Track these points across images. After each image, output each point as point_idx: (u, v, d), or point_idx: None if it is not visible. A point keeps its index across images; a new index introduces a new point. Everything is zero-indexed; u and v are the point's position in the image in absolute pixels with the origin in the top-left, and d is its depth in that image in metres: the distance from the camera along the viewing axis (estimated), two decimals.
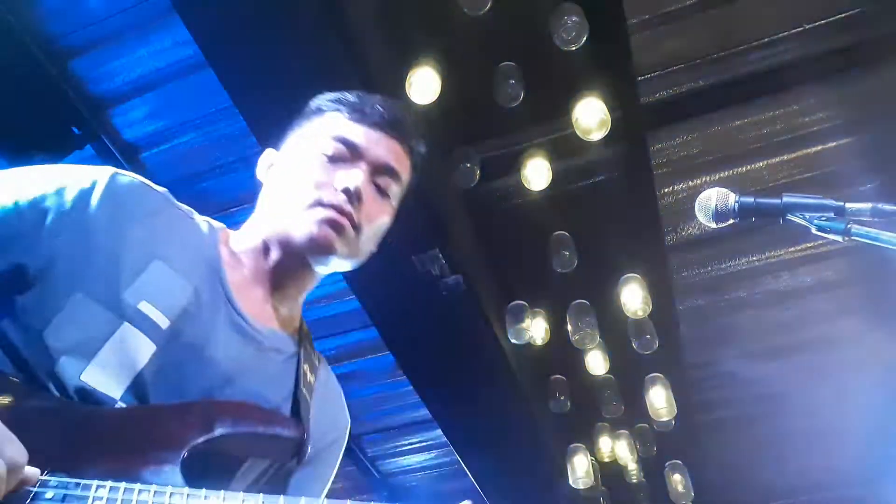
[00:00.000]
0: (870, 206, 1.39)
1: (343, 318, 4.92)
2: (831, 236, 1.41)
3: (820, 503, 6.36)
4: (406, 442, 6.30)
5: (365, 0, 3.34)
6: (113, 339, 1.23)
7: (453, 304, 4.13)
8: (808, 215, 1.44)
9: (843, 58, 3.81)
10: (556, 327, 4.63)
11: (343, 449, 1.58)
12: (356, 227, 1.43)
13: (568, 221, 4.23)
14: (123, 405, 1.23)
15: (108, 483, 1.11)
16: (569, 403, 5.07)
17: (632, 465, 5.63)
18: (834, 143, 4.23)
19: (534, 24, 3.38)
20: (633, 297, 4.44)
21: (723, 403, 5.86)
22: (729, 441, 5.93)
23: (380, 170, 1.49)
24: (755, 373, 5.51)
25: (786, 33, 3.78)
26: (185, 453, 1.19)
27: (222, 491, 1.15)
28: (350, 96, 1.54)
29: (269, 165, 1.56)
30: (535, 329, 4.57)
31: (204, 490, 1.14)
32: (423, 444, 6.30)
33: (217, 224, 1.51)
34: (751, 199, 1.51)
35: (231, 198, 4.21)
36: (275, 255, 1.45)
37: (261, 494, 1.16)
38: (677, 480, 5.76)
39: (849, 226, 1.38)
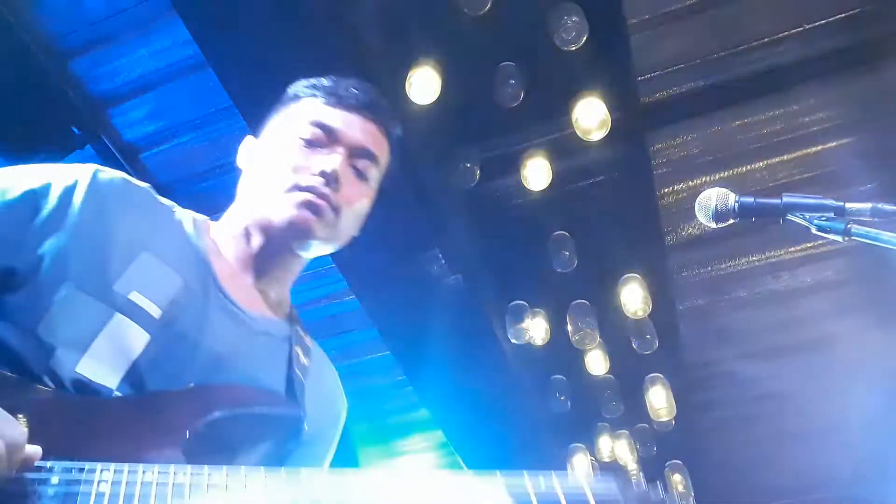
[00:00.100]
0: (870, 206, 1.39)
1: (343, 318, 4.93)
2: (831, 236, 1.41)
3: (820, 503, 6.36)
4: (406, 442, 6.31)
5: (365, 0, 3.34)
6: (106, 331, 1.25)
7: (453, 303, 4.13)
8: (808, 215, 1.44)
9: (843, 58, 3.81)
10: (556, 327, 4.63)
11: (341, 429, 1.59)
12: (335, 210, 1.44)
13: (568, 221, 4.23)
14: (120, 395, 1.24)
15: (112, 465, 1.12)
16: (569, 403, 5.07)
17: (632, 465, 5.63)
18: (834, 143, 4.23)
19: (534, 24, 3.38)
20: (633, 297, 4.44)
21: (723, 403, 5.86)
22: (729, 441, 5.93)
23: (357, 153, 1.50)
24: (755, 373, 5.50)
25: (786, 33, 3.78)
26: (185, 438, 1.21)
27: (224, 467, 1.16)
28: (326, 81, 1.56)
29: (249, 152, 1.57)
30: (535, 329, 4.58)
31: (206, 467, 1.15)
32: (424, 444, 6.30)
33: (200, 217, 1.53)
34: (751, 199, 1.52)
35: (231, 198, 4.20)
36: (257, 240, 1.47)
37: (262, 468, 1.18)
38: (677, 480, 5.76)
39: (849, 226, 1.39)
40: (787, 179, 4.36)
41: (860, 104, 4.04)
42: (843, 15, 3.71)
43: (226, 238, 1.49)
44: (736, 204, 1.52)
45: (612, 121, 3.56)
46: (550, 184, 3.88)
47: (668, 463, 5.83)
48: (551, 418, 5.20)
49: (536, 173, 3.87)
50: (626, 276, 4.48)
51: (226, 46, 3.17)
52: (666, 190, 4.44)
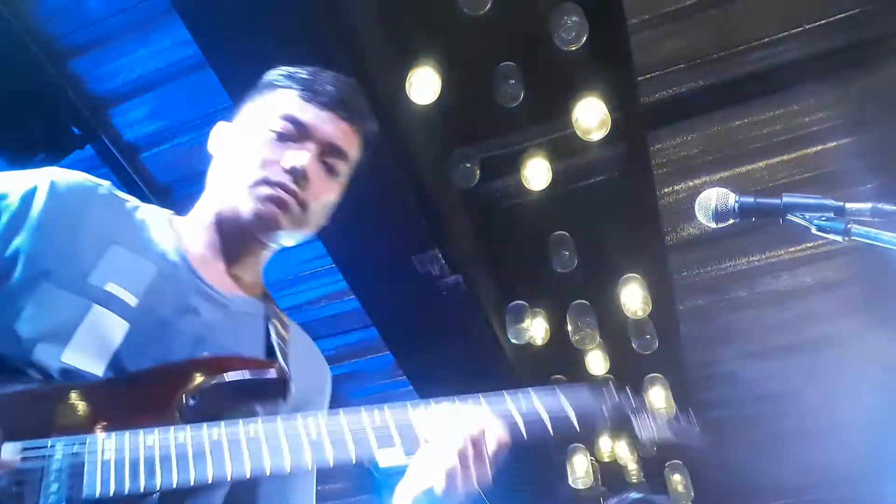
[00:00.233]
0: (870, 206, 1.39)
1: (343, 318, 4.92)
2: (831, 236, 1.41)
3: (820, 503, 6.36)
4: None
5: (365, 0, 3.34)
6: (85, 322, 1.27)
7: (453, 304, 4.13)
8: (808, 215, 1.44)
9: (843, 58, 3.81)
10: (556, 327, 4.63)
11: (329, 397, 1.63)
12: (302, 205, 1.46)
13: (568, 221, 4.23)
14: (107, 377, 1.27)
15: (113, 434, 1.16)
16: None
17: (632, 465, 5.63)
18: (834, 143, 4.23)
19: (534, 24, 3.38)
20: (633, 297, 4.44)
21: (723, 403, 5.85)
22: (729, 441, 5.92)
23: (328, 149, 1.51)
24: (755, 373, 5.50)
25: (786, 33, 3.78)
26: (176, 408, 1.24)
27: (221, 423, 1.21)
28: (303, 73, 1.57)
29: (220, 138, 1.59)
30: (535, 329, 4.57)
31: (205, 425, 1.20)
32: None
33: (165, 210, 1.55)
34: (751, 199, 1.52)
35: None
36: (226, 230, 1.49)
37: (258, 418, 1.24)
38: (677, 480, 5.76)
39: (849, 226, 1.39)
40: (787, 179, 4.36)
41: (860, 104, 4.04)
42: (842, 15, 3.71)
43: (195, 227, 1.51)
44: (736, 204, 1.52)
45: (612, 121, 3.56)
46: (550, 184, 3.88)
47: (668, 463, 5.82)
48: None
49: (536, 173, 3.87)
50: (626, 276, 4.48)
51: (226, 46, 3.16)
52: (666, 190, 4.44)
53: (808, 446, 5.86)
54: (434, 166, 3.93)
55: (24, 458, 1.10)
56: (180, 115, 3.86)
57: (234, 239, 1.49)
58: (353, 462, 1.27)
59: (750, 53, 3.85)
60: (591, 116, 3.57)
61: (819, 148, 4.25)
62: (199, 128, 3.84)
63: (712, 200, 1.53)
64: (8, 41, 3.39)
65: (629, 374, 5.05)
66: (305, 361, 1.54)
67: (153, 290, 1.35)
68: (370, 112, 1.60)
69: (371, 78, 3.39)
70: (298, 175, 1.44)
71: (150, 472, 1.14)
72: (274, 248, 1.55)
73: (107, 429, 1.18)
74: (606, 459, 5.49)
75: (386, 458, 1.29)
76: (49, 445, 1.12)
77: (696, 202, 1.56)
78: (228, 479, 1.19)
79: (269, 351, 1.46)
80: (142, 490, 1.14)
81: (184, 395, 1.26)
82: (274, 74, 1.60)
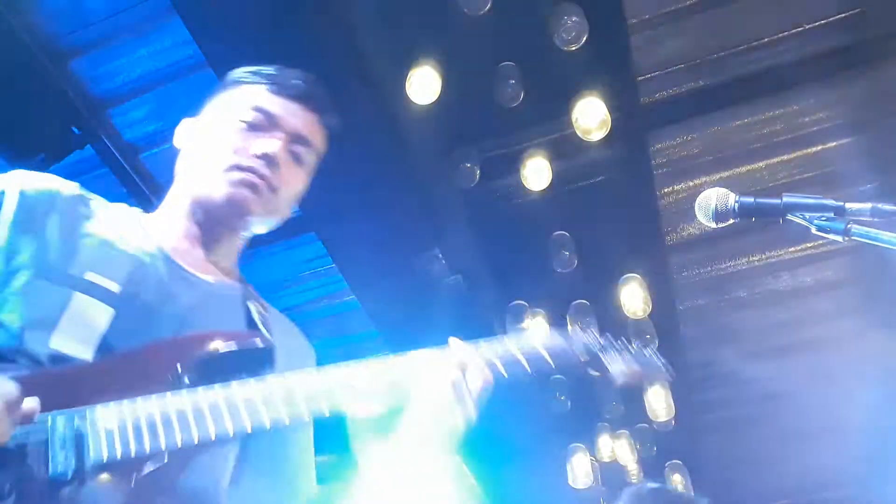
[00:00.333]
0: (870, 206, 1.40)
1: (343, 318, 4.92)
2: (831, 236, 1.41)
3: (820, 503, 6.36)
4: None
5: (365, 0, 3.34)
6: (69, 309, 1.31)
7: (453, 303, 4.13)
8: (808, 215, 1.44)
9: (843, 58, 3.81)
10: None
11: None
12: (273, 190, 1.52)
13: (568, 221, 4.23)
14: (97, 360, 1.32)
15: (111, 404, 1.20)
16: (569, 403, 5.07)
17: (632, 465, 5.63)
18: (834, 143, 4.23)
19: (534, 24, 3.38)
20: (633, 297, 4.44)
21: (723, 403, 5.85)
22: (729, 441, 5.93)
23: (296, 139, 1.57)
24: (755, 373, 5.50)
25: (786, 33, 3.78)
26: (167, 383, 1.28)
27: (215, 385, 1.27)
28: (270, 69, 1.64)
29: (186, 133, 1.64)
30: (535, 329, 4.57)
31: (200, 388, 1.26)
32: None
33: (133, 208, 1.60)
34: (751, 199, 1.52)
35: None
36: (201, 218, 1.54)
37: (251, 379, 1.30)
38: (677, 480, 5.75)
39: (849, 226, 1.39)
40: (787, 179, 4.36)
41: (860, 104, 4.04)
42: (843, 15, 3.71)
43: (169, 220, 1.55)
44: (736, 204, 1.52)
45: (612, 121, 3.56)
46: (550, 184, 3.88)
47: (667, 463, 5.82)
48: (551, 418, 5.20)
49: (536, 173, 3.87)
50: (626, 276, 4.48)
51: (226, 46, 3.16)
52: (666, 190, 4.44)
53: (808, 446, 5.86)
54: (434, 166, 3.93)
55: (25, 433, 1.13)
56: (180, 115, 3.83)
57: (210, 226, 1.54)
58: (328, 414, 1.34)
59: (750, 53, 3.85)
60: (591, 116, 3.57)
61: (819, 148, 4.25)
62: None
63: (712, 200, 1.54)
64: (8, 41, 3.39)
65: None
66: (289, 339, 1.59)
67: (134, 279, 1.39)
68: (332, 106, 1.65)
69: (371, 78, 3.39)
70: (269, 160, 1.50)
71: (154, 434, 1.19)
72: (245, 235, 1.60)
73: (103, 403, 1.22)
74: (606, 459, 5.49)
75: (361, 410, 1.38)
76: (49, 420, 1.16)
77: (696, 202, 1.56)
78: (231, 434, 1.24)
79: (252, 327, 1.51)
80: (147, 451, 1.18)
81: (175, 370, 1.30)
82: (240, 72, 1.66)
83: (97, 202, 1.51)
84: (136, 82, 3.74)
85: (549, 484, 5.49)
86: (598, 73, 3.52)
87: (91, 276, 1.35)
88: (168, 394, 1.24)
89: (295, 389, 1.31)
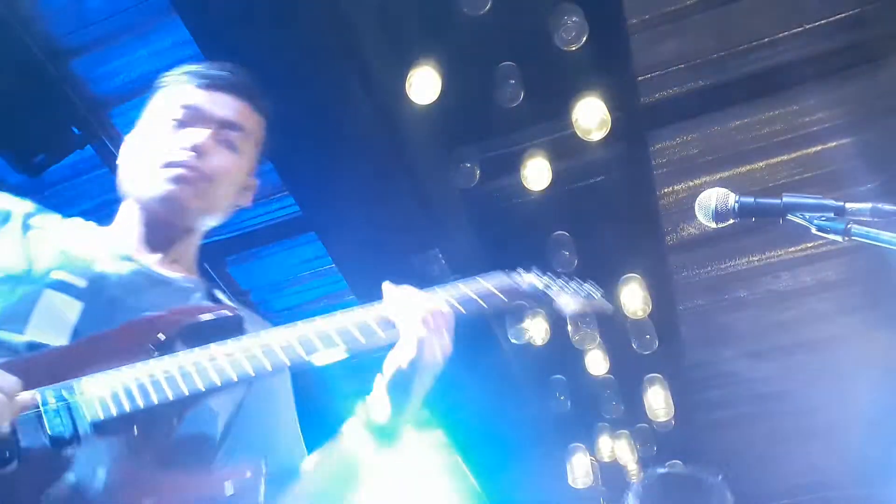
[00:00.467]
0: (870, 206, 1.40)
1: None
2: (831, 236, 1.41)
3: (820, 503, 6.36)
4: (406, 441, 6.29)
5: (365, 0, 3.34)
6: (40, 304, 1.37)
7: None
8: (808, 215, 1.45)
9: (843, 58, 3.81)
10: (556, 327, 4.63)
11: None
12: (207, 179, 1.54)
13: (568, 221, 4.23)
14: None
15: (96, 374, 1.25)
16: (569, 403, 5.07)
17: (632, 465, 5.63)
18: (834, 143, 4.23)
19: (534, 24, 3.38)
20: (633, 297, 4.44)
21: (723, 403, 5.85)
22: (729, 441, 5.92)
23: (226, 125, 1.60)
24: (755, 372, 5.50)
25: (786, 33, 3.78)
26: (150, 352, 1.32)
27: (195, 349, 1.31)
28: (196, 67, 1.68)
29: (126, 147, 1.66)
30: (535, 329, 4.57)
31: (180, 352, 1.32)
32: (424, 443, 6.29)
33: (89, 222, 1.64)
34: (751, 199, 1.52)
35: None
36: (149, 222, 1.58)
37: (228, 340, 1.35)
38: None
39: (849, 226, 1.39)
40: (787, 179, 4.35)
41: (860, 104, 4.04)
42: (842, 15, 3.70)
43: (123, 228, 1.60)
44: (736, 204, 1.52)
45: (612, 121, 3.55)
46: (550, 184, 3.87)
47: (667, 463, 5.82)
48: (551, 418, 5.20)
49: (536, 173, 3.86)
50: (626, 276, 4.48)
51: (226, 46, 3.16)
52: (666, 190, 4.44)
53: (808, 446, 5.86)
54: (434, 166, 3.93)
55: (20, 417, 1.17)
56: None
57: (160, 228, 1.57)
58: (305, 359, 1.40)
59: (750, 53, 3.85)
60: (591, 116, 3.56)
61: (819, 148, 4.25)
62: None
63: (712, 200, 1.54)
64: (8, 41, 3.39)
65: (629, 374, 5.05)
66: (258, 327, 1.61)
67: (98, 277, 1.44)
68: (262, 91, 1.70)
69: (371, 78, 3.39)
70: (198, 150, 1.53)
71: (144, 393, 1.24)
72: (198, 231, 1.63)
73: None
74: (606, 459, 5.49)
75: (323, 358, 1.42)
76: (38, 395, 1.20)
77: (696, 202, 1.56)
78: (219, 384, 1.29)
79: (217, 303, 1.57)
80: (142, 406, 1.23)
81: (153, 342, 1.34)
82: (167, 76, 1.69)
83: (53, 217, 1.57)
84: (136, 82, 3.73)
85: (549, 484, 5.49)
86: (598, 73, 3.52)
87: (57, 274, 1.40)
88: (150, 360, 1.29)
89: (271, 341, 1.36)
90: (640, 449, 5.58)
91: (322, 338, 1.40)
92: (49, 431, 1.17)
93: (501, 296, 1.61)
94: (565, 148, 3.89)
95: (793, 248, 4.83)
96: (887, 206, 1.38)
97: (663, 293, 4.60)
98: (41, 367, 1.27)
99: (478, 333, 4.48)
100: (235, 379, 1.30)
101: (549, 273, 1.72)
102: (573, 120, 3.58)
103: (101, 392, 1.23)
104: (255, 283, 4.82)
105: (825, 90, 3.99)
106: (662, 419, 5.09)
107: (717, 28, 3.76)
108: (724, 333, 5.30)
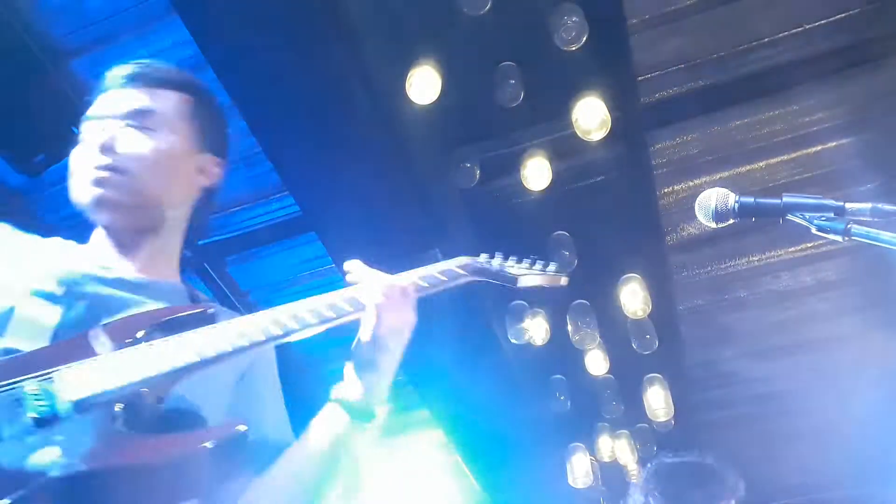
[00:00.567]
0: (870, 206, 1.40)
1: None
2: (831, 236, 1.41)
3: (820, 503, 6.36)
4: (406, 441, 6.30)
5: (365, 0, 3.34)
6: (16, 314, 1.40)
7: (453, 304, 4.13)
8: (808, 215, 1.44)
9: (843, 58, 3.81)
10: (556, 327, 4.63)
11: (274, 363, 1.73)
12: (120, 171, 1.55)
13: (568, 221, 4.23)
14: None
15: (75, 363, 1.29)
16: (569, 403, 5.07)
17: (632, 465, 5.63)
18: (834, 143, 4.23)
19: (534, 24, 3.38)
20: (633, 297, 4.44)
21: (723, 403, 5.86)
22: (729, 441, 5.92)
23: (129, 116, 1.60)
24: (755, 372, 5.51)
25: (786, 33, 3.78)
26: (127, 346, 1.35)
27: (169, 337, 1.36)
28: (103, 80, 1.72)
29: None
30: (535, 329, 4.57)
31: (160, 340, 1.36)
32: (424, 443, 6.29)
33: (68, 241, 1.66)
34: (751, 199, 1.52)
35: (231, 198, 4.21)
36: (109, 232, 1.61)
37: (216, 325, 1.41)
38: None
39: (849, 226, 1.39)
40: (787, 179, 4.36)
41: (860, 104, 4.04)
42: (842, 15, 3.70)
43: (95, 244, 1.63)
44: (736, 204, 1.52)
45: (612, 121, 3.55)
46: (550, 184, 3.87)
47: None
48: (551, 418, 5.20)
49: (536, 173, 3.86)
50: (626, 276, 4.48)
51: (226, 46, 3.16)
52: (666, 190, 4.44)
53: (807, 446, 5.86)
54: (434, 166, 3.93)
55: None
56: None
57: (122, 236, 1.60)
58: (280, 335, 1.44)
59: (750, 53, 3.85)
60: (591, 116, 3.56)
61: (819, 148, 4.25)
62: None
63: (712, 200, 1.54)
64: (8, 41, 3.39)
65: (629, 374, 5.05)
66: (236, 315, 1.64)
67: (77, 286, 1.46)
68: (173, 74, 1.71)
69: (371, 78, 3.39)
70: (104, 148, 1.55)
71: (121, 374, 1.29)
72: (156, 228, 1.62)
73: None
74: (606, 459, 5.49)
75: (309, 333, 1.46)
76: (17, 385, 1.26)
77: (696, 202, 1.56)
78: (197, 359, 1.33)
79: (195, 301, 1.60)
80: (120, 386, 1.28)
81: (127, 343, 1.35)
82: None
83: (28, 236, 1.59)
84: None
85: (549, 484, 5.49)
86: (598, 73, 3.52)
87: (35, 286, 1.43)
88: (127, 349, 1.33)
89: (244, 326, 1.40)
90: (640, 449, 5.58)
91: (295, 318, 1.44)
92: (30, 413, 1.22)
93: (460, 270, 1.67)
94: (565, 148, 3.89)
95: (793, 248, 4.83)
96: (887, 206, 1.38)
97: (663, 293, 4.60)
98: (19, 366, 1.30)
99: (478, 333, 4.49)
100: (212, 355, 1.35)
101: (513, 256, 1.76)
102: (573, 120, 3.58)
103: (79, 374, 1.27)
104: (255, 283, 4.82)
105: (825, 90, 3.99)
106: (662, 419, 5.09)
107: (717, 28, 3.76)
108: (724, 333, 5.30)
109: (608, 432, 5.47)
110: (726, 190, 1.54)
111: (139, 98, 1.62)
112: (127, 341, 1.35)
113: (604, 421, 5.41)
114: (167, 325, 1.40)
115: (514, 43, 3.52)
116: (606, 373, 4.96)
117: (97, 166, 1.55)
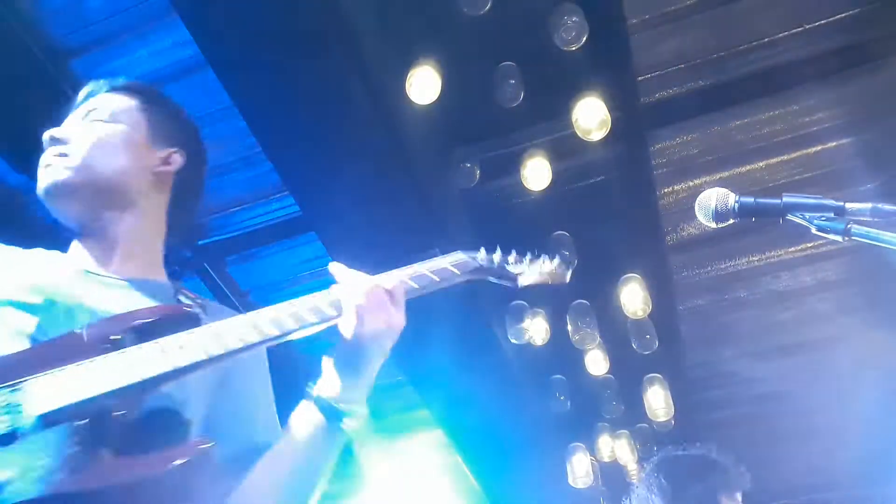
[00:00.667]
0: (870, 206, 1.39)
1: None
2: (831, 236, 1.41)
3: (820, 503, 6.36)
4: (406, 441, 6.30)
5: (365, 0, 3.34)
6: None
7: (453, 303, 4.13)
8: (808, 215, 1.44)
9: (843, 58, 3.81)
10: (556, 327, 4.63)
11: (265, 362, 1.72)
12: (64, 154, 1.59)
13: (568, 221, 4.23)
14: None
15: (51, 370, 1.26)
16: (569, 403, 5.07)
17: (632, 465, 5.63)
18: (834, 143, 4.23)
19: (534, 24, 3.38)
20: (633, 297, 4.44)
21: (723, 403, 5.85)
22: (729, 441, 5.91)
23: (80, 115, 1.71)
24: (755, 372, 5.50)
25: (786, 33, 3.78)
26: (101, 351, 1.32)
27: (144, 344, 1.32)
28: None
29: None
30: (535, 329, 4.57)
31: (133, 347, 1.32)
32: (424, 443, 6.29)
33: (52, 251, 1.66)
34: (751, 199, 1.52)
35: (231, 198, 4.21)
36: (79, 234, 1.62)
37: (194, 330, 1.37)
38: None
39: (849, 226, 1.39)
40: (787, 179, 4.36)
41: (860, 104, 4.04)
42: (842, 15, 3.70)
43: (76, 249, 1.62)
44: (736, 204, 1.52)
45: (612, 121, 3.56)
46: (550, 184, 3.88)
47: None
48: (551, 418, 5.20)
49: (536, 173, 3.86)
50: (626, 276, 4.48)
51: (226, 47, 3.16)
52: (666, 190, 4.44)
53: (808, 446, 5.86)
54: (434, 166, 3.93)
55: None
56: None
57: (93, 233, 1.60)
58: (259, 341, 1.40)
59: (750, 53, 3.85)
60: (591, 116, 3.56)
61: (819, 148, 4.25)
62: (199, 128, 3.83)
63: (712, 200, 1.53)
64: (8, 41, 3.39)
65: (629, 374, 5.05)
66: (223, 313, 1.61)
67: (55, 292, 1.45)
68: (118, 79, 1.78)
69: (371, 78, 3.39)
70: (51, 141, 1.61)
71: (90, 385, 1.25)
72: (124, 219, 1.62)
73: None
74: (606, 459, 5.50)
75: (278, 340, 1.42)
76: None
77: (696, 202, 1.56)
78: (170, 368, 1.30)
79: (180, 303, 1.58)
80: (88, 397, 1.24)
81: (105, 345, 1.33)
82: None
83: (7, 248, 1.59)
84: None
85: (549, 484, 5.49)
86: (598, 73, 3.52)
87: (12, 293, 1.43)
88: (98, 357, 1.29)
89: (223, 332, 1.36)
90: (640, 449, 5.58)
91: (275, 323, 1.40)
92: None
93: (454, 269, 1.61)
94: (565, 148, 3.89)
95: (793, 248, 4.83)
96: (887, 206, 1.37)
97: (663, 293, 4.61)
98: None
99: (478, 333, 4.49)
100: (185, 364, 1.31)
101: (512, 252, 1.71)
102: (573, 120, 3.58)
103: (46, 387, 1.24)
104: (255, 283, 4.82)
105: (825, 90, 3.99)
106: (662, 419, 5.10)
107: (717, 28, 3.76)
108: (724, 333, 5.30)
109: (608, 432, 5.47)
110: (726, 190, 1.54)
111: (92, 103, 1.71)
112: (103, 346, 1.32)
113: (604, 421, 5.41)
114: (146, 329, 1.37)
115: (514, 43, 3.52)
116: (606, 373, 4.96)
117: (48, 155, 1.59)
